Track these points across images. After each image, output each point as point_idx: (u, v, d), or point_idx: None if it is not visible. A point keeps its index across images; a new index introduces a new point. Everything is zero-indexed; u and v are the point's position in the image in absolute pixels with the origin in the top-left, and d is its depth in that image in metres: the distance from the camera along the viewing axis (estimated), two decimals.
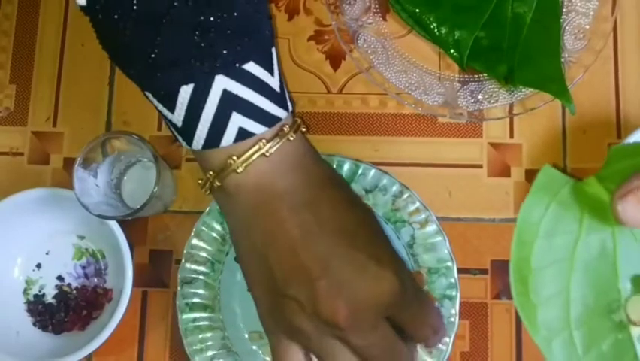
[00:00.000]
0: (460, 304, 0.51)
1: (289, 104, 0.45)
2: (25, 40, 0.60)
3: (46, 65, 0.59)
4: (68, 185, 0.50)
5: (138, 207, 0.49)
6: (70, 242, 0.56)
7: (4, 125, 0.59)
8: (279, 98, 0.43)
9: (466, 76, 0.55)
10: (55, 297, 0.55)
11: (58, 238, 0.56)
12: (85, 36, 0.60)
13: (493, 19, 0.53)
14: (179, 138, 0.44)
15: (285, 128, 0.43)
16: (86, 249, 0.56)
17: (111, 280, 0.55)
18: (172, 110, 0.41)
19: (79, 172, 0.50)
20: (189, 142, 0.43)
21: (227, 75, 0.40)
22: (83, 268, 0.56)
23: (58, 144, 0.58)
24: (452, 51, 0.54)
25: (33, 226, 0.55)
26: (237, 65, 0.41)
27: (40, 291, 0.55)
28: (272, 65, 0.43)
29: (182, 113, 0.41)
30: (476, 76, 0.55)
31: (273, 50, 0.44)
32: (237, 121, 0.41)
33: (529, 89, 0.53)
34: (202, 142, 0.42)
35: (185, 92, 0.40)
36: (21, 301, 0.55)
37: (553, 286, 0.30)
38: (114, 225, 0.51)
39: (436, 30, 0.54)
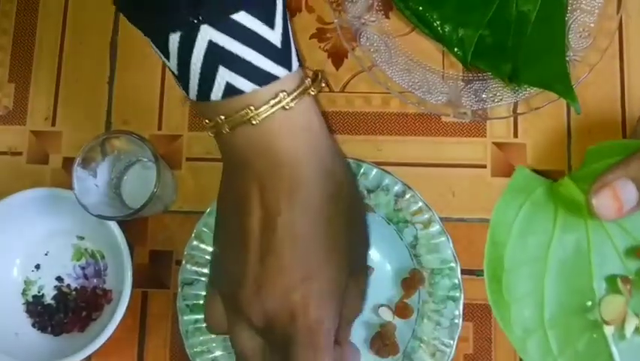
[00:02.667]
0: (464, 305, 0.50)
1: (294, 62, 0.40)
2: (24, 39, 0.59)
3: (45, 63, 0.59)
4: (68, 185, 0.50)
5: (138, 207, 0.48)
6: (69, 243, 0.56)
7: (2, 125, 0.58)
8: (278, 54, 0.39)
9: (469, 75, 0.55)
10: (54, 298, 0.55)
11: (57, 239, 0.55)
12: (84, 34, 0.59)
13: (498, 17, 0.53)
14: (181, 87, 0.41)
15: (307, 82, 0.40)
16: (85, 249, 0.55)
17: (111, 281, 0.55)
18: (167, 57, 0.39)
19: (78, 172, 0.49)
20: (187, 92, 0.40)
21: (213, 26, 0.37)
22: (83, 268, 0.55)
23: (57, 143, 0.58)
24: (456, 49, 0.54)
25: (32, 227, 0.54)
26: (225, 15, 0.37)
27: (39, 292, 0.55)
28: (272, 16, 0.38)
29: (175, 61, 0.39)
30: (480, 75, 0.54)
31: (278, 1, 0.39)
32: (225, 76, 0.37)
33: (534, 88, 0.52)
34: (195, 94, 0.39)
35: (174, 40, 0.37)
36: (20, 302, 0.55)
37: (527, 286, 0.30)
38: (114, 225, 0.50)
39: (439, 28, 0.54)
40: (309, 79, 0.40)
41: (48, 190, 0.52)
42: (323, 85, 0.42)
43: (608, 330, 0.30)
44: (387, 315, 0.51)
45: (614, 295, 0.30)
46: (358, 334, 0.52)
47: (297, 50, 0.41)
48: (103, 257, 0.55)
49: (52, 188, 0.52)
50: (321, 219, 0.38)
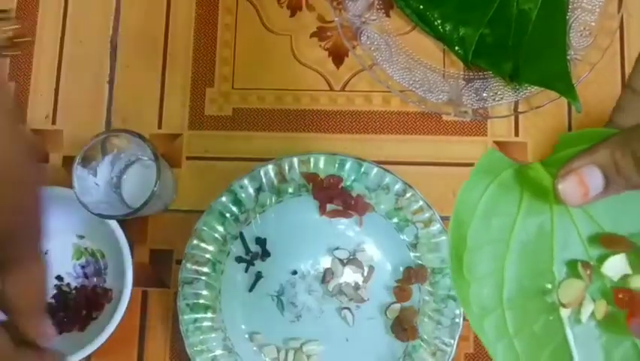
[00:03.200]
0: None
1: None
2: (24, 37, 0.59)
3: (45, 62, 0.59)
4: (68, 183, 0.50)
5: (138, 206, 0.48)
6: (69, 241, 0.55)
7: None
8: None
9: (470, 73, 0.55)
10: (54, 297, 0.55)
11: (57, 238, 0.55)
12: (84, 33, 0.59)
13: (499, 16, 0.53)
14: None
15: None
16: (86, 248, 0.55)
17: (111, 280, 0.55)
18: None
19: (78, 171, 0.49)
20: None
21: None
22: (83, 267, 0.55)
23: (57, 142, 0.57)
24: (457, 48, 0.54)
25: None
26: None
27: None
28: None
29: None
30: (481, 73, 0.54)
31: None
32: None
33: (535, 87, 0.52)
34: None
35: None
36: None
37: (487, 266, 0.30)
38: (114, 224, 0.50)
39: (440, 27, 0.54)
40: None
41: (48, 189, 0.52)
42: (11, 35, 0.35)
43: (565, 313, 0.30)
44: (394, 312, 0.52)
45: (574, 279, 0.30)
46: (379, 319, 0.52)
47: None
48: (103, 256, 0.55)
49: (52, 187, 0.52)
50: None
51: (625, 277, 0.30)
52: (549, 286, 0.30)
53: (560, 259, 0.30)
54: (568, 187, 0.28)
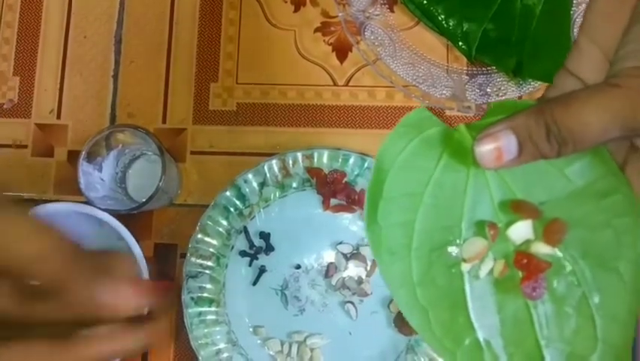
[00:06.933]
0: None
1: None
2: (28, 32, 0.60)
3: (50, 56, 0.59)
4: (73, 178, 0.50)
5: (144, 200, 0.49)
6: None
7: (7, 118, 0.58)
8: None
9: (474, 69, 0.55)
10: None
11: None
12: (88, 28, 0.59)
13: (503, 11, 0.53)
14: None
15: None
16: None
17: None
18: None
19: (84, 166, 0.49)
20: None
21: None
22: None
23: (62, 136, 0.58)
24: (460, 43, 0.54)
25: None
26: None
27: None
28: None
29: None
30: (484, 69, 0.54)
31: None
32: None
33: (538, 82, 0.52)
34: None
35: None
36: None
37: (400, 215, 0.31)
38: (132, 241, 0.50)
39: (444, 22, 0.54)
40: None
41: (63, 205, 0.51)
42: None
43: (465, 268, 0.31)
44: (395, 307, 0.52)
45: (479, 237, 0.31)
46: (382, 313, 0.53)
47: None
48: None
49: (65, 203, 0.51)
50: None
51: (527, 242, 0.31)
52: (455, 241, 0.32)
53: (470, 218, 0.32)
54: (483, 149, 0.29)
